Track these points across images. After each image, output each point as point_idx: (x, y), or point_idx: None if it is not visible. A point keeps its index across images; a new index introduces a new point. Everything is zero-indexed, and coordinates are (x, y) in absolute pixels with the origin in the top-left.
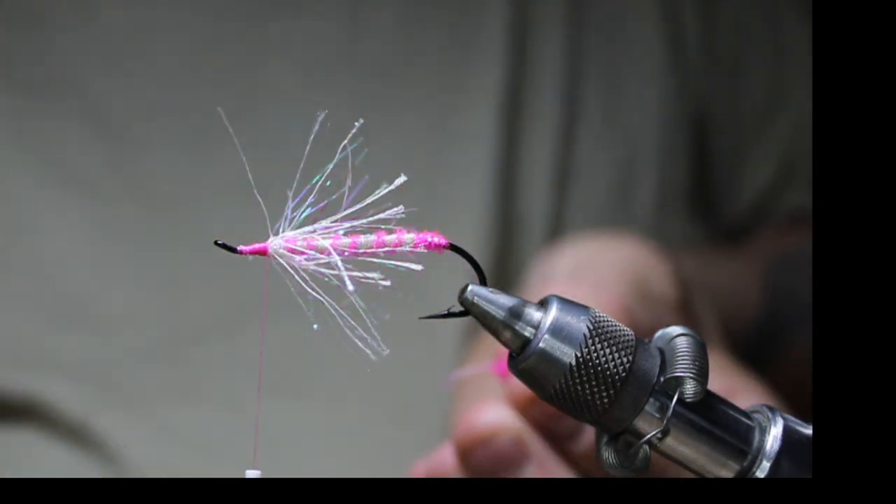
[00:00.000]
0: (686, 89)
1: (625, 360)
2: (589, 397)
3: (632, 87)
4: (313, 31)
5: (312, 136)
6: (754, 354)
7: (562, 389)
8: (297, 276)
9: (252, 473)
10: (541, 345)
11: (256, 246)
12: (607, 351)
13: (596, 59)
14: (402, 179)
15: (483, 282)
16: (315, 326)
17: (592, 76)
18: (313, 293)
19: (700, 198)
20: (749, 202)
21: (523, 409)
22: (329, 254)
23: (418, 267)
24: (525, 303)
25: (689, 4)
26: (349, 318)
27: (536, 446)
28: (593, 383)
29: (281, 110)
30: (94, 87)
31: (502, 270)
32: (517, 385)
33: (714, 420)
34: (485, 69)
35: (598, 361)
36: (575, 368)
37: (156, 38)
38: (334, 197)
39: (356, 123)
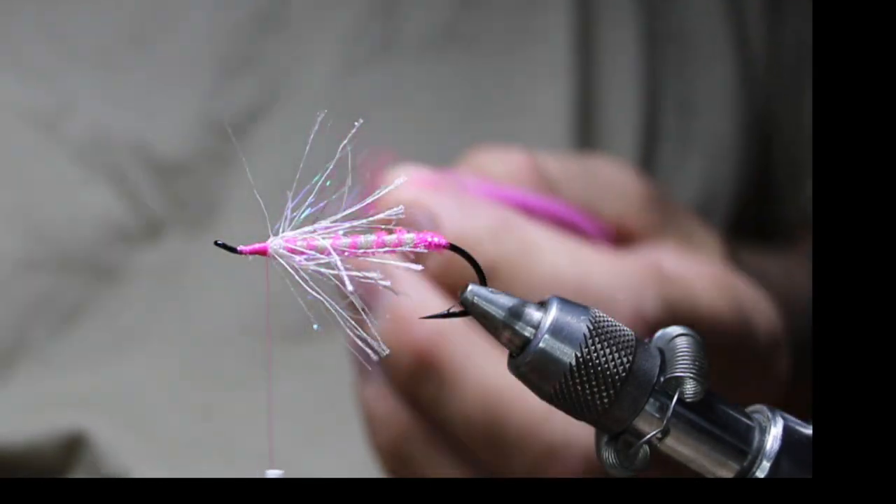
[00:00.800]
0: (754, 103)
1: (625, 360)
2: (589, 397)
3: (705, 106)
4: (334, 17)
5: (312, 136)
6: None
7: (562, 389)
8: (297, 276)
9: (273, 473)
10: (541, 345)
11: (256, 246)
12: (607, 351)
13: (670, 79)
14: (401, 180)
15: (483, 282)
16: (315, 327)
17: (669, 97)
18: (313, 293)
19: (762, 210)
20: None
21: None
22: (329, 254)
23: (418, 267)
24: (525, 303)
25: (755, 15)
26: (349, 319)
27: None
28: (593, 383)
29: (284, 105)
30: (74, 76)
31: None
32: None
33: (714, 420)
34: (552, 95)
35: (598, 361)
36: (575, 368)
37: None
38: (334, 197)
39: (356, 123)
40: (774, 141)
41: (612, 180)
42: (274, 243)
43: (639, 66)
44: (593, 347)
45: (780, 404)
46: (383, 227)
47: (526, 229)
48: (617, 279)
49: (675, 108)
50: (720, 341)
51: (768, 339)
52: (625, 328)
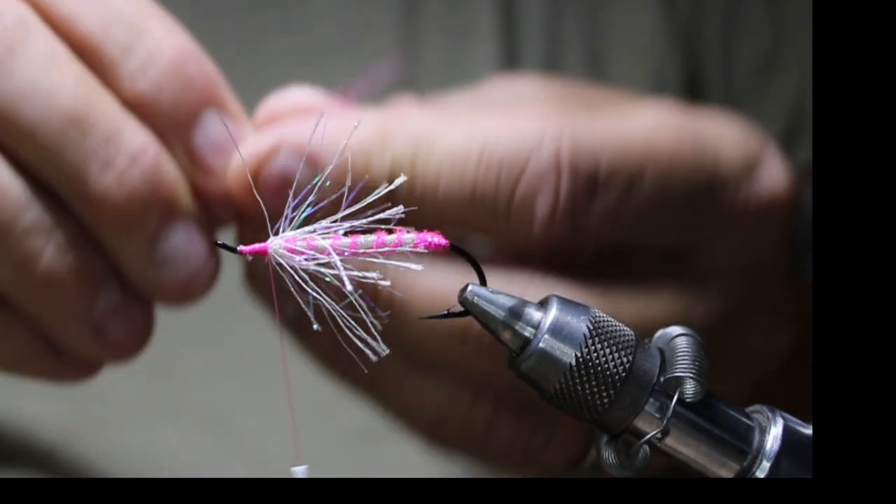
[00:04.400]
0: (678, 49)
1: (625, 360)
2: (589, 397)
3: (619, 50)
4: (314, 13)
5: (312, 137)
6: None
7: (562, 389)
8: (296, 276)
9: (299, 471)
10: (541, 345)
11: (256, 246)
12: (607, 351)
13: (578, 24)
14: (402, 179)
15: (483, 282)
16: (315, 326)
17: (574, 42)
18: (313, 293)
19: None
20: None
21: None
22: (329, 254)
23: (418, 267)
24: (525, 303)
25: None
26: (349, 318)
27: None
28: (593, 383)
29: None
30: None
31: None
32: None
33: (714, 420)
34: (479, 50)
35: (598, 361)
36: (575, 368)
37: None
38: (334, 197)
39: (356, 124)
40: (703, 93)
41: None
42: (274, 243)
43: (544, 27)
44: (593, 347)
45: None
46: (383, 227)
47: (411, 120)
48: (520, 134)
49: (583, 59)
50: (681, 181)
51: (742, 167)
52: (625, 328)
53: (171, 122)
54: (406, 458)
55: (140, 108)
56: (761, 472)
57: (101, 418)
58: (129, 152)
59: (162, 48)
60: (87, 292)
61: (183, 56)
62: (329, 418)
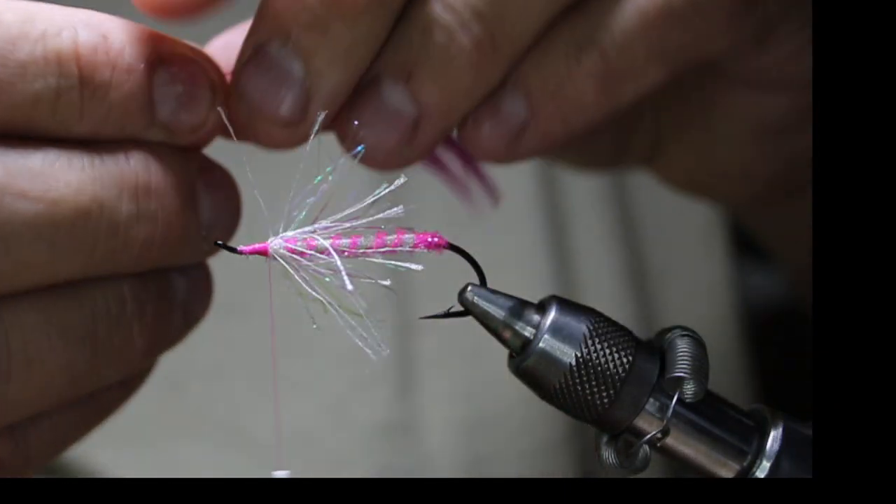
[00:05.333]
0: None
1: (625, 360)
2: (589, 397)
3: None
4: None
5: (313, 136)
6: None
7: (562, 389)
8: (296, 276)
9: (280, 474)
10: (541, 345)
11: (256, 246)
12: (607, 351)
13: None
14: (402, 180)
15: (483, 282)
16: (315, 326)
17: None
18: (313, 293)
19: None
20: None
21: None
22: (329, 254)
23: (418, 267)
24: (525, 302)
25: None
26: (349, 318)
27: None
28: (593, 383)
29: None
30: None
31: None
32: None
33: (714, 420)
34: None
35: (598, 361)
36: (575, 368)
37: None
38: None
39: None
40: None
41: None
42: (274, 243)
43: None
44: (593, 347)
45: None
46: (383, 226)
47: None
48: None
49: None
50: None
51: None
52: (625, 328)
53: (131, 116)
54: (426, 452)
55: (98, 129)
56: (761, 472)
57: (116, 428)
58: (144, 217)
59: (67, 56)
60: (163, 331)
61: (92, 39)
62: (348, 413)
